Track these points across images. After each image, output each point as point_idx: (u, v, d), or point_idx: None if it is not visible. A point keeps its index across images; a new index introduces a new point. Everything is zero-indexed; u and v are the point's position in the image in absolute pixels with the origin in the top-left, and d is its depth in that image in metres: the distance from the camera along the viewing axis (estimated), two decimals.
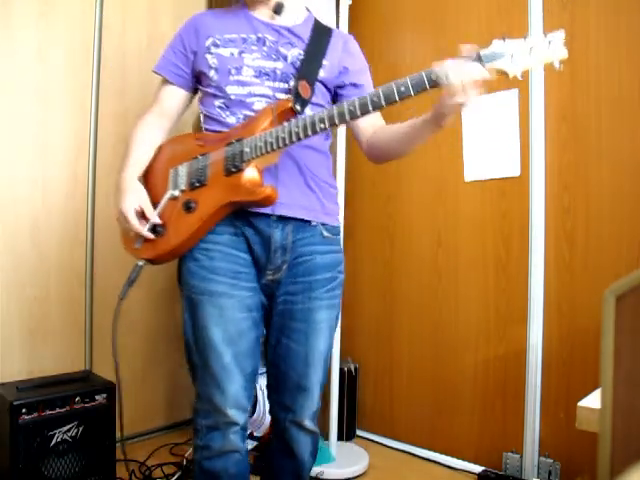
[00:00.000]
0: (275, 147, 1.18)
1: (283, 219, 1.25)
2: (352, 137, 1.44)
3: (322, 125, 1.15)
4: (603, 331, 0.45)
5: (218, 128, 1.29)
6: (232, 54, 1.28)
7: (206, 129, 1.33)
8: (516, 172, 2.06)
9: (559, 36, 1.03)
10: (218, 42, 1.30)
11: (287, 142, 1.17)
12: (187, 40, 1.34)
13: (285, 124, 1.18)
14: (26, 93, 2.01)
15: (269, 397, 1.38)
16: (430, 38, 2.33)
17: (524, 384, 2.01)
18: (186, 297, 1.27)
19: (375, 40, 2.51)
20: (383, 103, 1.11)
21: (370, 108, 1.12)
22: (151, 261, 1.26)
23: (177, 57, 1.35)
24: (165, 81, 1.37)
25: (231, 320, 1.22)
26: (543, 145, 1.99)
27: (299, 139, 1.17)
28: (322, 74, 1.32)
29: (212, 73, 1.29)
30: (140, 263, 1.26)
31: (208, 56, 1.29)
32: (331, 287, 1.32)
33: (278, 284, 1.29)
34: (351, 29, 2.32)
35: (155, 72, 1.37)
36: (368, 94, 1.12)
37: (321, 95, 1.33)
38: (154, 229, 1.24)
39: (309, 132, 1.16)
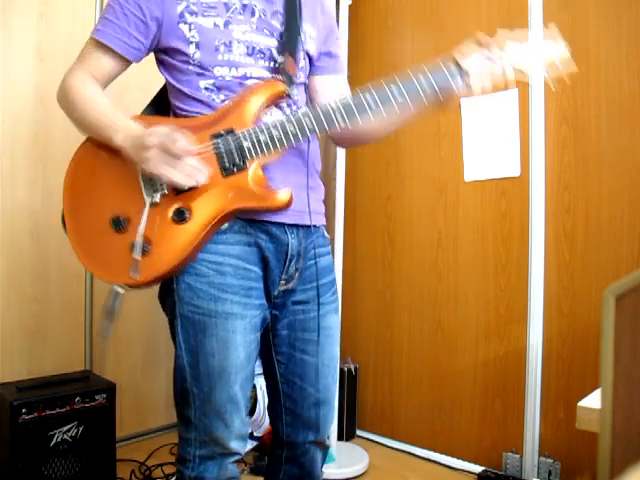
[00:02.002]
0: (286, 144, 1.00)
1: (296, 224, 1.12)
2: None
3: (340, 118, 0.99)
4: (603, 331, 0.45)
5: (206, 111, 1.06)
6: (216, 25, 1.04)
7: (184, 110, 1.07)
8: (516, 172, 2.06)
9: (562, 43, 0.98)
10: (194, 8, 1.03)
11: (300, 138, 0.99)
12: (145, 2, 1.03)
13: (290, 115, 1.01)
14: (26, 93, 2.01)
15: (278, 420, 1.21)
16: (430, 38, 2.32)
17: (524, 384, 2.01)
18: (184, 317, 1.06)
19: (375, 40, 2.51)
20: (409, 102, 0.99)
21: (399, 100, 0.98)
22: (136, 286, 1.02)
23: (130, 23, 1.03)
24: (107, 48, 1.05)
25: (242, 344, 1.06)
26: (543, 145, 1.99)
27: (314, 133, 1.00)
28: (310, 45, 1.13)
29: (192, 49, 1.03)
30: (120, 290, 1.00)
31: (183, 27, 1.03)
32: (334, 290, 1.22)
33: (291, 293, 1.15)
34: (351, 29, 2.32)
35: (99, 41, 1.05)
36: (387, 84, 0.98)
37: (304, 72, 1.15)
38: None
39: (326, 126, 0.99)
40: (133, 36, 1.04)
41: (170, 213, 1.01)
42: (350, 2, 2.34)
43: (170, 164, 0.95)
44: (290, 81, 1.06)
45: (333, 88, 1.04)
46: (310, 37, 1.14)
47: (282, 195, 1.00)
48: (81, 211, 1.08)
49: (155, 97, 1.19)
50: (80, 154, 1.11)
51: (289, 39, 1.08)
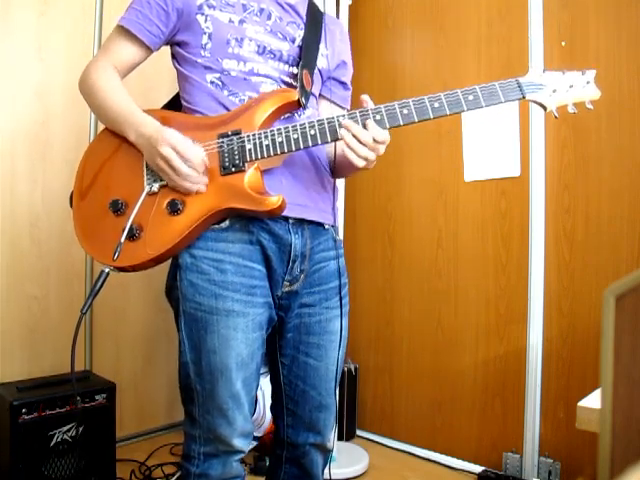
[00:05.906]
0: (286, 149, 1.02)
1: (300, 223, 1.12)
2: None
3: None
4: (603, 331, 0.45)
5: (210, 105, 1.09)
6: (231, 21, 1.08)
7: (190, 102, 1.12)
8: (516, 172, 2.06)
9: (593, 75, 1.02)
10: (213, 3, 1.08)
11: (301, 145, 1.02)
12: None
13: (297, 123, 1.03)
14: (26, 93, 2.01)
15: (280, 420, 1.23)
16: (430, 38, 2.32)
17: (524, 384, 2.01)
18: (187, 314, 1.08)
19: (375, 40, 2.51)
20: (415, 118, 1.01)
21: (401, 122, 1.01)
22: (123, 269, 1.05)
23: (153, 12, 1.08)
24: (129, 34, 1.10)
25: (244, 341, 1.06)
26: (543, 145, 1.99)
27: (315, 144, 1.02)
28: (323, 63, 1.19)
29: (205, 39, 1.08)
30: (106, 270, 1.04)
31: (200, 18, 1.08)
32: (344, 294, 1.20)
33: (295, 295, 1.15)
34: (351, 29, 2.32)
35: (122, 27, 1.10)
36: (399, 104, 1.00)
37: (317, 86, 1.20)
38: (130, 232, 1.03)
39: (328, 138, 1.02)
40: (154, 23, 1.09)
41: (165, 203, 1.03)
42: (350, 2, 2.34)
43: (175, 176, 1.01)
44: (306, 94, 1.10)
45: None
46: (322, 54, 1.19)
47: (273, 200, 1.00)
48: (87, 191, 1.11)
49: (169, 101, 1.24)
50: (98, 138, 1.15)
51: (308, 56, 1.13)
